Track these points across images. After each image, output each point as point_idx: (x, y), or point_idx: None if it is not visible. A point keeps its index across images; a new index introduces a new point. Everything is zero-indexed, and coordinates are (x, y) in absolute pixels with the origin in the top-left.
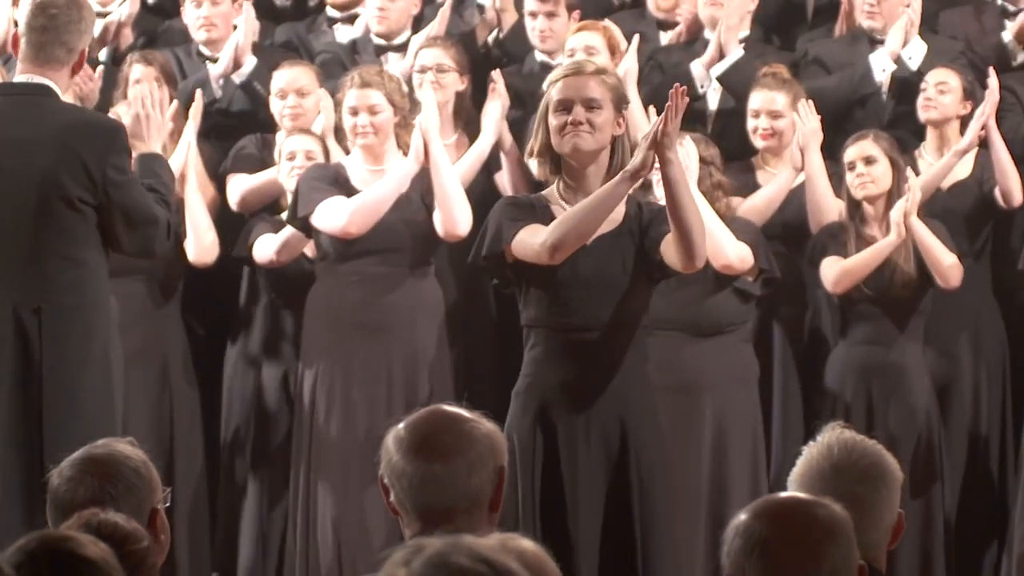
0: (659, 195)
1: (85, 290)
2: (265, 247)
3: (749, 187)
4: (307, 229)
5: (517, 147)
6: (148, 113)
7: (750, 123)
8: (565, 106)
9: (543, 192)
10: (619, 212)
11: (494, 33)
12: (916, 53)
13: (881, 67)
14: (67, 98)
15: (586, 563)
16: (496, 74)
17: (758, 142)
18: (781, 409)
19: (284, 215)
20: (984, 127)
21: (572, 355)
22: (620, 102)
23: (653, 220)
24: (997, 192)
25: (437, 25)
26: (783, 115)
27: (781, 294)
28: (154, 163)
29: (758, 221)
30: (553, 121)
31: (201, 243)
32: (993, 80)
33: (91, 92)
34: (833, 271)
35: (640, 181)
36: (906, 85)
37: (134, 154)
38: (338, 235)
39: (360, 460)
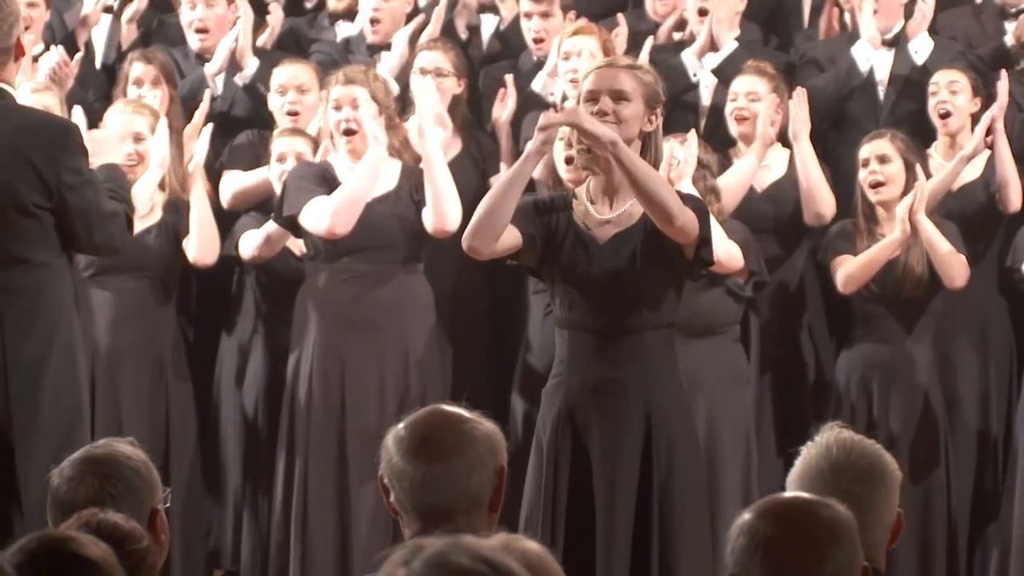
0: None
1: (46, 292)
2: (247, 243)
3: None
4: (294, 228)
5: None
6: (116, 144)
7: (728, 107)
8: (593, 96)
9: (577, 188)
10: (636, 209)
11: (495, 24)
12: (923, 48)
13: (864, 57)
14: (32, 96)
15: (616, 564)
16: (509, 78)
17: (733, 126)
18: (767, 408)
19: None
20: (991, 130)
21: (596, 356)
22: (652, 99)
23: None
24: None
25: (433, 26)
26: (761, 99)
27: (771, 290)
28: (113, 171)
29: (734, 199)
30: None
31: (204, 244)
32: (1003, 83)
33: (66, 77)
34: (842, 272)
35: (544, 157)
36: (908, 82)
37: (95, 163)
38: (324, 236)
39: (353, 457)
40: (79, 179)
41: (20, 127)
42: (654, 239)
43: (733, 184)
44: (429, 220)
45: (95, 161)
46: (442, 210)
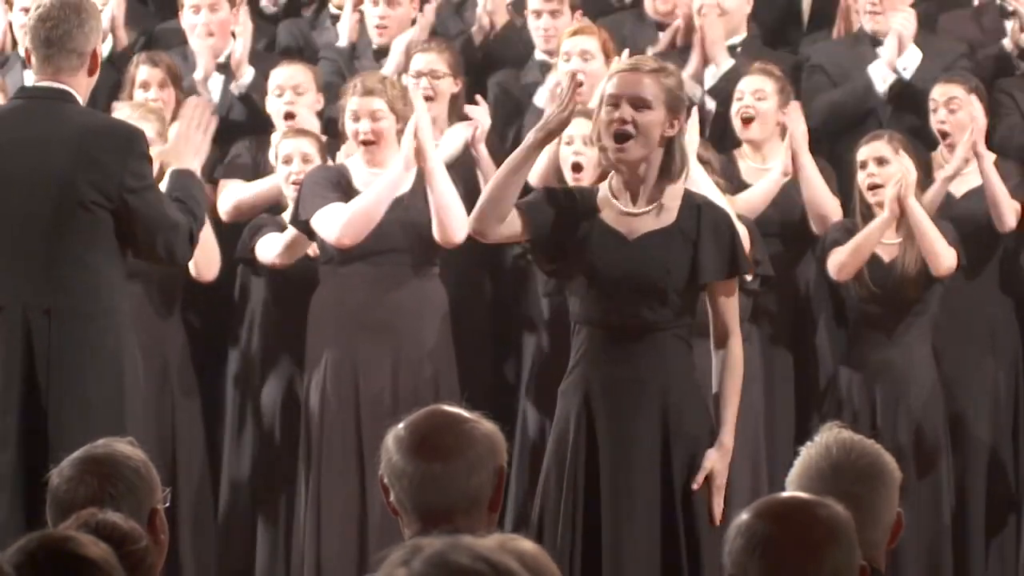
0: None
1: (99, 295)
2: (269, 248)
3: (731, 180)
4: (308, 231)
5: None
6: (191, 135)
7: (734, 107)
8: (615, 101)
9: (600, 184)
10: (672, 209)
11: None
12: (911, 63)
13: (881, 78)
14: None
15: (632, 561)
16: (480, 99)
17: (738, 125)
18: (774, 408)
19: (285, 214)
20: (976, 154)
21: (615, 353)
22: (675, 104)
23: (710, 244)
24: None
25: (418, 31)
26: (767, 99)
27: (777, 292)
28: (187, 179)
29: (751, 216)
30: (603, 116)
31: (205, 260)
32: (977, 108)
33: None
34: (834, 258)
35: (551, 140)
36: (903, 92)
37: (168, 169)
38: (333, 244)
39: (366, 460)
40: (142, 183)
41: (87, 128)
42: (689, 245)
43: (756, 200)
44: (436, 232)
45: (172, 163)
46: (448, 223)
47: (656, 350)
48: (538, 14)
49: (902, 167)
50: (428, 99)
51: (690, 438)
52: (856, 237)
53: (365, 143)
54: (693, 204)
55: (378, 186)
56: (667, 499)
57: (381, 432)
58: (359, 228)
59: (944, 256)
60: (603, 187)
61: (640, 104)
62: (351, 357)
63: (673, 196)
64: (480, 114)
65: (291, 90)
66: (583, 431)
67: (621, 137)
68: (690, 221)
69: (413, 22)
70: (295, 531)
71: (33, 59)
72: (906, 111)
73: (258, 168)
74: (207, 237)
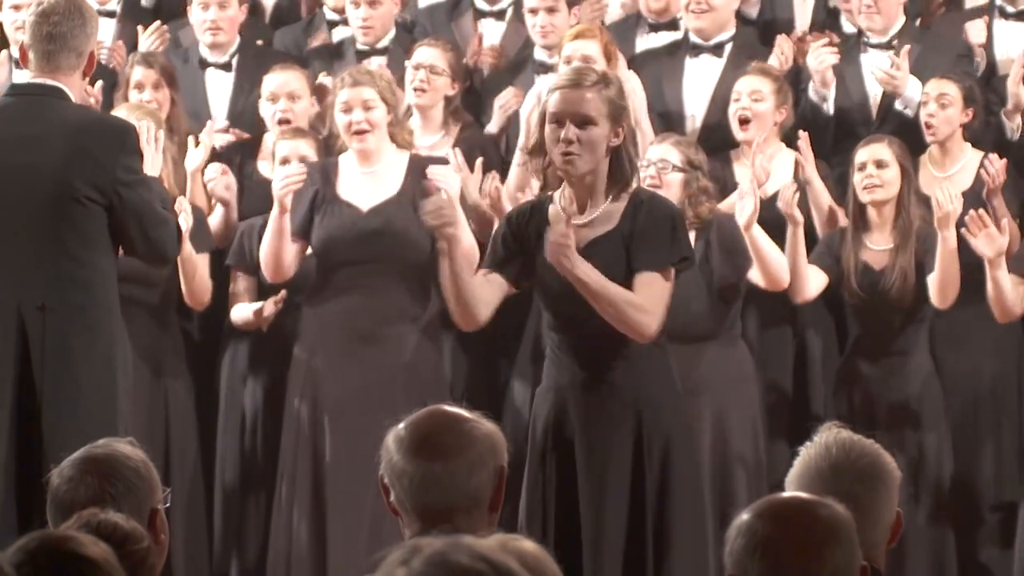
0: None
1: (93, 291)
2: (234, 315)
3: (726, 181)
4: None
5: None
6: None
7: (731, 108)
8: (558, 120)
9: (555, 193)
10: (616, 212)
11: (497, 30)
12: (911, 100)
13: (819, 96)
14: None
15: (607, 565)
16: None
17: (735, 126)
18: (773, 408)
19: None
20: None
21: (581, 357)
22: (617, 114)
23: (639, 237)
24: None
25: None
26: (764, 100)
27: (777, 294)
28: (156, 182)
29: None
30: (548, 132)
31: (201, 287)
32: (993, 165)
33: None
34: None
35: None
36: (897, 117)
37: None
38: None
39: (325, 468)
40: (135, 177)
41: (80, 123)
42: (630, 249)
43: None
44: None
45: None
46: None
47: (622, 353)
48: (534, 11)
49: (945, 198)
50: (420, 91)
51: (665, 437)
52: (788, 253)
53: (359, 132)
54: (637, 202)
55: (266, 238)
56: (639, 503)
57: (345, 440)
58: (271, 272)
59: (952, 298)
60: (556, 198)
61: (584, 122)
62: (327, 363)
63: (621, 200)
64: (443, 176)
65: (285, 97)
66: (555, 435)
67: (569, 157)
68: (630, 220)
69: (408, 26)
70: (273, 536)
71: (31, 55)
72: (898, 120)
73: (243, 171)
74: (201, 270)
